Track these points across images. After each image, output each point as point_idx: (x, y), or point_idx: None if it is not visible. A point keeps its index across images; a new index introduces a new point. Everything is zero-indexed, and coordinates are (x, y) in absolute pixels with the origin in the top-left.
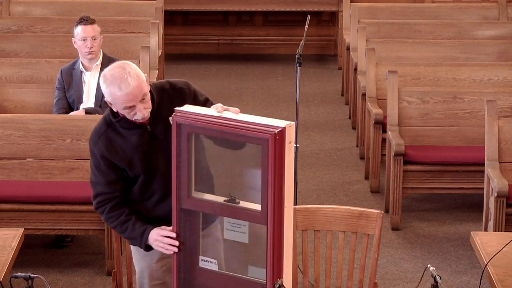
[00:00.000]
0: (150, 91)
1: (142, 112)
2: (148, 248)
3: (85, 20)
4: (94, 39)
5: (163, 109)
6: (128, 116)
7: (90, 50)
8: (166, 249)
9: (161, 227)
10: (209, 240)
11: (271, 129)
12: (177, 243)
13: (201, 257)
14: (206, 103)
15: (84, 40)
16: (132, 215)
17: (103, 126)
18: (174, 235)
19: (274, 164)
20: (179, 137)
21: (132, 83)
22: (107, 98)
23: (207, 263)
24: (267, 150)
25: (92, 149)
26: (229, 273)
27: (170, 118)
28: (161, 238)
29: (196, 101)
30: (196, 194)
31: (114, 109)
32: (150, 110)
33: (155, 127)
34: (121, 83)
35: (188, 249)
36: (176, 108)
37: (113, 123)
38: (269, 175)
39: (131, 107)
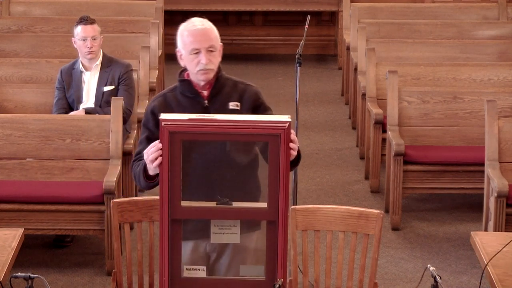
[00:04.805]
0: (218, 73)
1: (206, 60)
2: (151, 179)
3: (85, 20)
4: (94, 39)
5: (223, 94)
6: (192, 66)
7: (90, 50)
8: (150, 160)
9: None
10: (195, 247)
11: (280, 125)
12: (159, 152)
13: (185, 266)
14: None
15: (84, 40)
16: None
17: (165, 90)
18: (159, 146)
19: (284, 159)
20: (172, 146)
21: (207, 26)
22: (178, 45)
23: (193, 271)
24: (278, 145)
25: (147, 108)
26: (219, 277)
27: (231, 104)
28: (147, 152)
29: (257, 107)
30: (185, 203)
31: (182, 63)
32: (214, 69)
33: (211, 105)
34: (196, 22)
35: (172, 260)
36: (162, 118)
37: (175, 89)
38: (280, 170)
39: (197, 52)
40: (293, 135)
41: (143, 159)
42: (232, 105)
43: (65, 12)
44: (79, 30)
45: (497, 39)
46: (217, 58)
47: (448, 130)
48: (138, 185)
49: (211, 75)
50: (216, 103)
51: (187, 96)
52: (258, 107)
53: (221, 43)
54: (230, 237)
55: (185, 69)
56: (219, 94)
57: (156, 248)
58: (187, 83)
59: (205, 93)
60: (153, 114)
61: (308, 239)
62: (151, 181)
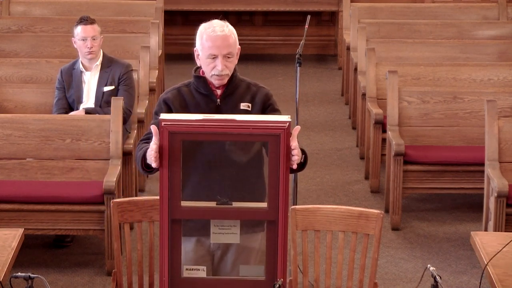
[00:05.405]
0: (233, 74)
1: (222, 66)
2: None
3: (85, 20)
4: (94, 39)
5: (236, 95)
6: (208, 69)
7: (90, 50)
8: (151, 160)
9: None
10: (194, 247)
11: (280, 125)
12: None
13: (185, 266)
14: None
15: (84, 40)
16: None
17: (179, 84)
18: (154, 147)
19: (284, 159)
20: (172, 146)
21: (227, 31)
22: (197, 45)
23: (193, 271)
24: (278, 145)
25: (159, 99)
26: (219, 277)
27: (242, 104)
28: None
29: (266, 108)
30: (185, 203)
31: (198, 62)
32: (229, 74)
33: (224, 104)
34: (216, 27)
35: (172, 260)
36: (162, 118)
37: (189, 85)
38: (280, 170)
39: (214, 57)
40: (295, 143)
41: (149, 143)
42: (243, 105)
43: (65, 12)
44: (79, 30)
45: (497, 39)
46: (233, 62)
47: (448, 130)
48: (137, 167)
49: (225, 80)
50: (229, 102)
51: (200, 92)
52: (267, 108)
53: (239, 46)
54: (230, 237)
55: (200, 66)
56: (232, 94)
57: (156, 248)
58: (202, 80)
59: (219, 92)
60: (166, 104)
61: (308, 239)
62: (148, 170)
